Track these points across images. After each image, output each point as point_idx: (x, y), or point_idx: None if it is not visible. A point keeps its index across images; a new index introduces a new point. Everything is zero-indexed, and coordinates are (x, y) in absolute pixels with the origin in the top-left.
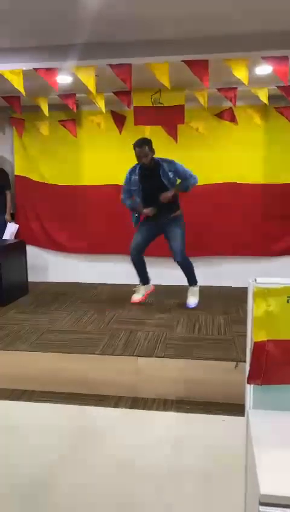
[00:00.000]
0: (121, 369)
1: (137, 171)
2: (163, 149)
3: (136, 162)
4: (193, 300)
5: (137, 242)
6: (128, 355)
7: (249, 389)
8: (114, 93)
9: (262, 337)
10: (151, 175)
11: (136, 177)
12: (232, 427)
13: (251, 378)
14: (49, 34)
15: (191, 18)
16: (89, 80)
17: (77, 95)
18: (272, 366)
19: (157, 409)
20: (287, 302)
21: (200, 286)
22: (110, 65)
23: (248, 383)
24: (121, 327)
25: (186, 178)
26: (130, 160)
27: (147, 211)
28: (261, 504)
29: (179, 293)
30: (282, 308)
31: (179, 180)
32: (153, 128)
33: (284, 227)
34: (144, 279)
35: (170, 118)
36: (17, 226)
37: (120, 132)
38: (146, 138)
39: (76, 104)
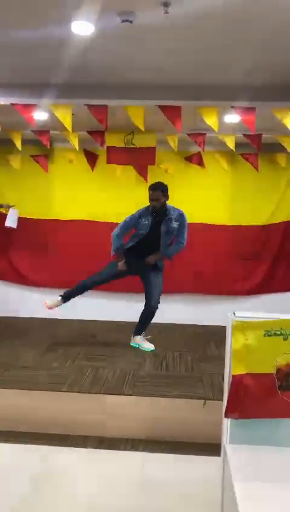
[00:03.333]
0: (88, 407)
1: (149, 216)
2: (133, 188)
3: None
4: (150, 344)
5: (103, 277)
6: (96, 393)
7: (226, 423)
8: (88, 132)
9: (240, 370)
10: (158, 222)
11: (147, 222)
12: (203, 466)
13: (229, 412)
14: (29, 72)
15: (167, 66)
16: (65, 117)
17: (50, 131)
18: (249, 399)
19: (125, 449)
20: (264, 336)
21: (166, 323)
22: (88, 105)
23: (225, 416)
24: (88, 363)
25: (180, 240)
26: (101, 197)
27: (122, 266)
28: None
29: (148, 329)
30: (259, 342)
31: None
32: (124, 167)
33: (250, 267)
34: (68, 298)
35: (141, 159)
36: (17, 210)
37: (92, 170)
38: (162, 183)
39: (49, 140)
